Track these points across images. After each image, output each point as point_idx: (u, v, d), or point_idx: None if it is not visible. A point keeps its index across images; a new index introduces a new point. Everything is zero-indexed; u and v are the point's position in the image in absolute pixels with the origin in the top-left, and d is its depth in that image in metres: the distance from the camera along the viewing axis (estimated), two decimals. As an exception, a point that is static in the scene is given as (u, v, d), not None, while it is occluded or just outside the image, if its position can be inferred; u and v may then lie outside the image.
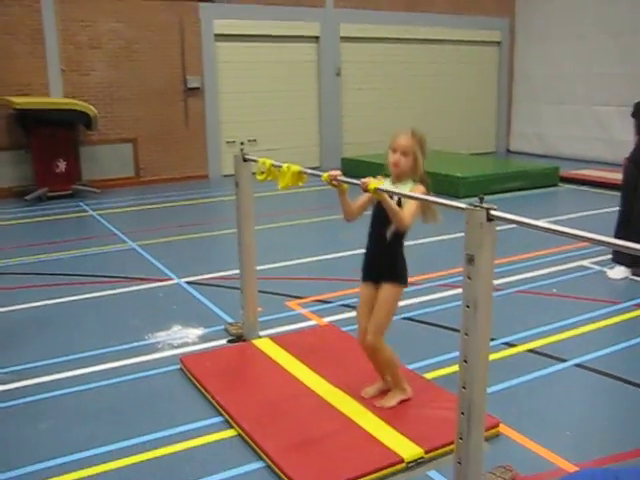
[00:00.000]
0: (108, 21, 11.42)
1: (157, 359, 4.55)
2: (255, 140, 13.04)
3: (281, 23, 12.95)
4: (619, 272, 6.25)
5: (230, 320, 5.17)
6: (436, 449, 3.27)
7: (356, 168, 11.13)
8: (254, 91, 13.02)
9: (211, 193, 11.30)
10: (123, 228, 8.49)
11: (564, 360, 4.42)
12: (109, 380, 4.23)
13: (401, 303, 3.67)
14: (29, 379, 4.24)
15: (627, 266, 6.27)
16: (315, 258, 6.99)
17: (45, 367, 4.42)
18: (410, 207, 3.33)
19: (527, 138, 16.05)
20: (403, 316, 5.07)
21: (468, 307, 2.56)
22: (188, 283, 6.18)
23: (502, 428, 3.51)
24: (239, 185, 4.56)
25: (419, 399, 3.75)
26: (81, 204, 10.25)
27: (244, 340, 4.72)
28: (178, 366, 4.39)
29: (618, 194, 6.64)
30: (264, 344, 4.58)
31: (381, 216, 3.40)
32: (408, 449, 3.24)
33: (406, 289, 3.63)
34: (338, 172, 3.49)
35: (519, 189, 10.73)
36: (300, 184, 3.96)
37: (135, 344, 4.80)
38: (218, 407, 3.78)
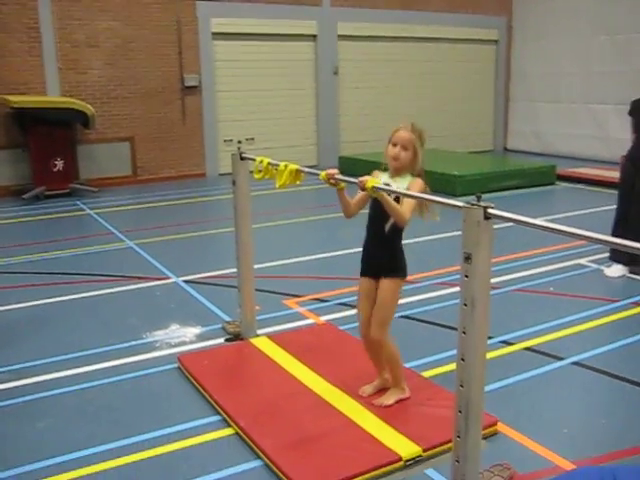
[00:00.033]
0: (105, 19, 11.41)
1: (155, 358, 4.55)
2: (253, 139, 13.04)
3: (278, 22, 12.95)
4: (616, 270, 6.26)
5: (228, 319, 5.18)
6: (434, 447, 3.27)
7: (353, 166, 11.13)
8: (251, 90, 13.02)
9: (208, 192, 11.29)
10: (121, 227, 8.49)
11: (561, 358, 4.43)
12: (107, 379, 4.23)
13: (399, 301, 3.67)
14: (28, 378, 4.24)
15: (624, 264, 6.28)
16: (313, 256, 7.00)
17: (43, 366, 4.42)
18: (409, 202, 3.35)
19: (524, 136, 16.07)
20: (401, 314, 5.07)
21: (465, 305, 2.57)
22: (186, 282, 6.18)
23: (500, 426, 3.51)
24: (236, 184, 4.56)
25: (417, 397, 3.75)
26: (78, 203, 10.24)
27: (242, 339, 4.73)
28: (176, 365, 4.39)
29: (615, 192, 6.65)
30: (262, 343, 4.58)
31: (379, 211, 3.40)
32: (406, 447, 3.25)
33: (404, 287, 3.63)
34: (335, 170, 3.50)
35: (516, 187, 10.74)
36: (297, 183, 3.97)
37: (133, 343, 4.80)
38: (216, 406, 3.79)
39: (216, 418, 3.71)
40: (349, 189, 3.52)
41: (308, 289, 5.90)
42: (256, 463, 3.27)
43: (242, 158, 4.49)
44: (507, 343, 4.67)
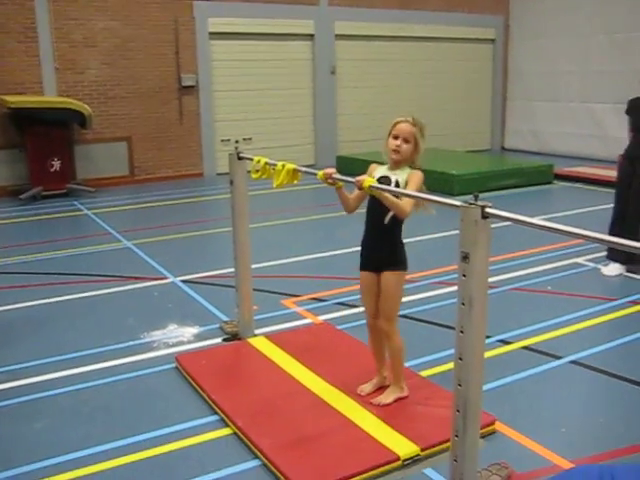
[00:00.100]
0: (102, 19, 11.39)
1: (152, 358, 4.54)
2: (250, 138, 13.03)
3: (276, 21, 12.94)
4: (614, 269, 6.27)
5: (225, 318, 5.17)
6: (432, 447, 3.27)
7: (351, 166, 11.12)
8: (249, 89, 13.01)
9: (206, 191, 11.28)
10: (118, 227, 8.48)
11: (559, 357, 4.43)
12: (105, 379, 4.22)
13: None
14: (24, 379, 4.23)
15: (622, 263, 6.28)
16: (310, 256, 6.99)
17: (40, 366, 4.41)
18: (409, 193, 3.34)
19: (522, 135, 16.08)
20: (399, 314, 5.06)
21: (463, 304, 2.57)
22: (183, 282, 6.18)
23: (498, 425, 3.51)
24: (234, 183, 4.55)
25: (415, 397, 3.75)
26: (76, 203, 10.23)
27: (239, 338, 4.72)
28: (174, 365, 4.38)
29: (612, 191, 6.66)
30: (259, 342, 4.58)
31: (378, 204, 3.41)
32: (404, 447, 3.24)
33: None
34: (333, 170, 3.50)
35: (514, 186, 10.75)
36: (295, 182, 3.96)
37: (130, 343, 4.79)
38: (214, 405, 3.78)
39: (214, 418, 3.70)
40: (347, 187, 3.52)
41: (306, 289, 5.90)
42: (254, 463, 3.27)
43: (239, 158, 4.48)
44: (505, 342, 4.67)
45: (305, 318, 5.23)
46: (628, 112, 6.38)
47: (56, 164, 10.64)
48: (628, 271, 6.27)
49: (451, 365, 2.76)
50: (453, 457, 2.74)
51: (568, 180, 11.63)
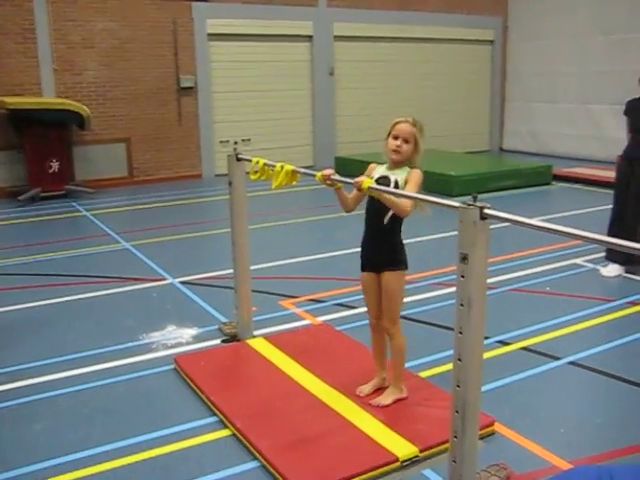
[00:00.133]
0: (101, 20, 11.39)
1: (151, 359, 4.54)
2: (249, 140, 13.04)
3: (274, 22, 12.94)
4: (612, 270, 6.27)
5: (224, 320, 5.17)
6: (431, 448, 3.27)
7: (350, 167, 11.12)
8: (247, 91, 13.01)
9: (204, 193, 11.28)
10: (117, 228, 8.48)
11: (558, 358, 4.43)
12: (104, 381, 4.22)
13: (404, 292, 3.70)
14: (23, 380, 4.23)
15: (620, 264, 6.29)
16: (309, 257, 6.99)
17: (39, 368, 4.41)
18: (410, 192, 3.36)
19: (520, 136, 16.09)
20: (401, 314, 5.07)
21: (462, 305, 2.57)
22: (182, 283, 6.18)
23: (496, 426, 3.51)
24: (233, 184, 4.55)
25: (414, 398, 3.75)
26: (74, 204, 10.23)
27: (238, 340, 4.72)
28: (172, 366, 4.38)
29: (611, 192, 6.66)
30: (258, 344, 4.58)
31: (377, 204, 3.42)
32: (403, 448, 3.24)
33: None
34: (331, 171, 3.51)
35: (512, 187, 10.76)
36: (294, 183, 3.97)
37: (129, 344, 4.79)
38: (212, 407, 3.78)
39: (213, 419, 3.70)
40: (346, 187, 3.53)
41: (304, 290, 5.90)
42: (253, 464, 3.27)
43: (238, 159, 4.48)
44: (504, 343, 4.67)
45: (304, 319, 5.23)
46: (626, 113, 6.39)
47: (55, 165, 10.64)
48: (627, 272, 6.28)
49: (450, 366, 2.77)
50: (452, 458, 2.74)
51: (567, 181, 11.64)
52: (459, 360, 2.62)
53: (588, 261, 6.66)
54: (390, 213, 3.43)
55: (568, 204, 9.72)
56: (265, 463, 3.21)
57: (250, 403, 3.76)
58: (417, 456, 3.23)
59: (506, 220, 2.50)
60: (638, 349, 4.60)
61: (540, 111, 15.45)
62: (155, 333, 5.00)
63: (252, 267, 4.84)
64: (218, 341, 4.79)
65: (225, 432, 3.57)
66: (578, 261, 6.67)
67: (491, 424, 3.48)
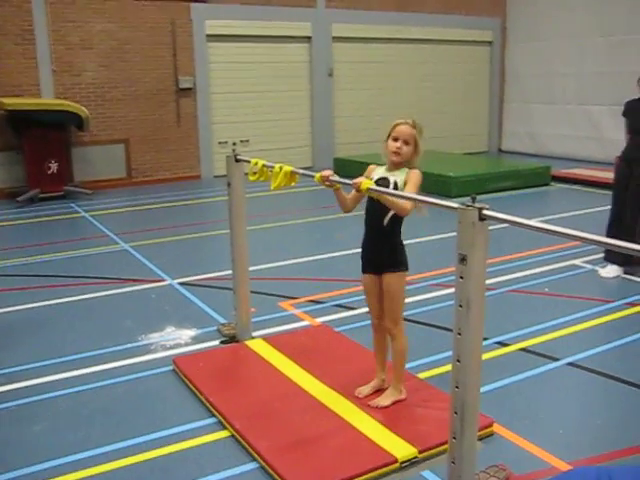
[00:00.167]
0: (100, 21, 11.39)
1: (150, 360, 4.54)
2: (247, 141, 13.04)
3: (273, 23, 12.94)
4: (611, 271, 6.28)
5: (223, 321, 5.17)
6: (430, 449, 3.27)
7: (348, 168, 11.13)
8: (246, 92, 13.01)
9: (203, 194, 11.28)
10: (115, 229, 8.48)
11: (556, 359, 4.44)
12: (103, 382, 4.22)
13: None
14: (23, 381, 4.23)
15: (619, 265, 6.29)
16: (308, 258, 6.99)
17: (38, 369, 4.41)
18: (410, 191, 3.38)
19: (519, 137, 16.10)
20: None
21: (461, 307, 2.57)
22: (181, 284, 6.18)
23: (495, 427, 3.51)
24: (231, 185, 4.55)
25: (413, 399, 3.75)
26: (73, 205, 10.22)
27: (237, 341, 4.72)
28: (171, 367, 4.38)
29: (610, 193, 6.66)
30: (257, 345, 4.58)
31: (377, 205, 3.43)
32: (402, 449, 3.25)
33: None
34: (330, 172, 3.52)
35: (511, 188, 10.77)
36: (292, 184, 3.97)
37: (128, 345, 4.79)
38: (211, 408, 3.78)
39: (212, 420, 3.70)
40: (345, 188, 3.54)
41: (303, 291, 5.90)
42: (252, 465, 3.27)
43: (237, 160, 4.48)
44: (502, 344, 4.68)
45: (303, 320, 5.23)
46: (625, 114, 6.39)
47: (53, 166, 10.63)
48: (625, 273, 6.28)
49: (449, 367, 2.77)
50: (451, 459, 2.74)
51: (565, 182, 11.65)
52: (458, 361, 2.62)
53: (587, 262, 6.66)
54: (390, 214, 3.44)
55: (567, 205, 9.73)
56: (264, 464, 3.21)
57: (249, 404, 3.76)
58: (416, 457, 3.23)
59: (505, 221, 2.51)
60: (637, 350, 4.61)
61: (539, 112, 15.46)
62: (154, 334, 5.00)
63: (251, 268, 4.84)
64: (217, 342, 4.79)
65: (224, 433, 3.57)
66: (577, 262, 6.68)
67: (490, 425, 3.48)
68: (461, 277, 2.55)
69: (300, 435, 3.43)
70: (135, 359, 4.56)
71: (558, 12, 14.60)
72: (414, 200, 3.27)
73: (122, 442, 3.50)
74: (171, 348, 4.74)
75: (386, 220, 3.47)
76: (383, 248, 3.56)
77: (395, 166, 3.51)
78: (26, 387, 4.15)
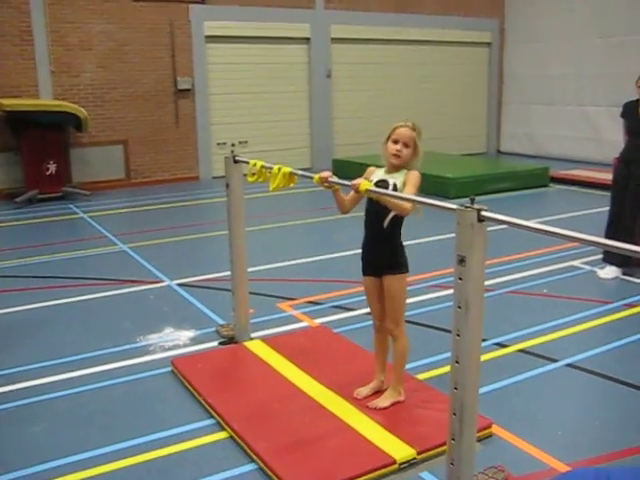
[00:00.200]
0: (98, 23, 11.39)
1: (149, 361, 4.54)
2: (246, 142, 13.04)
3: (271, 25, 12.95)
4: (610, 272, 6.28)
5: (221, 322, 5.17)
6: (428, 450, 3.27)
7: (347, 169, 11.13)
8: (245, 93, 13.01)
9: (202, 195, 11.28)
10: (114, 230, 8.47)
11: (555, 360, 4.44)
12: (101, 383, 4.22)
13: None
14: (21, 382, 4.23)
15: (618, 266, 6.29)
16: (307, 259, 6.99)
17: (37, 370, 4.40)
18: (409, 192, 3.39)
19: (517, 139, 16.11)
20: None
21: (459, 308, 2.57)
22: (179, 285, 6.17)
23: (494, 429, 3.51)
24: (230, 186, 4.55)
25: (411, 400, 3.75)
26: (71, 206, 10.22)
27: (235, 342, 4.72)
28: (170, 368, 4.38)
29: (608, 194, 6.67)
30: (256, 346, 4.58)
31: (377, 207, 3.44)
32: (400, 450, 3.24)
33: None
34: (329, 173, 3.53)
35: (510, 190, 10.77)
36: (291, 185, 3.97)
37: (127, 347, 4.79)
38: (210, 409, 3.78)
39: (210, 422, 3.70)
40: (343, 189, 3.55)
41: (302, 292, 5.90)
42: (250, 466, 3.27)
43: (235, 161, 4.48)
44: (501, 345, 4.68)
45: (301, 321, 5.23)
46: (623, 115, 6.40)
47: (52, 167, 10.63)
48: (624, 274, 6.29)
49: (447, 368, 2.77)
50: (449, 460, 2.74)
51: (564, 183, 11.66)
52: (457, 362, 2.62)
53: (585, 263, 6.67)
54: (390, 216, 3.45)
55: (565, 206, 9.73)
56: (263, 465, 3.21)
57: (247, 405, 3.76)
58: (415, 458, 3.23)
59: (503, 222, 2.51)
60: (636, 351, 4.61)
61: (537, 113, 15.47)
62: (152, 335, 5.00)
63: (249, 269, 4.84)
64: (215, 343, 4.79)
65: (222, 434, 3.57)
66: (575, 263, 6.68)
67: (489, 426, 3.48)
68: (460, 278, 2.55)
69: (299, 436, 3.43)
70: (134, 360, 4.56)
71: (556, 13, 14.61)
72: (413, 202, 3.28)
73: (121, 443, 3.49)
74: (170, 349, 4.73)
75: (386, 222, 3.48)
76: (383, 250, 3.57)
77: (394, 168, 3.52)
78: (25, 388, 4.15)
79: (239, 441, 3.44)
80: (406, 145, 3.48)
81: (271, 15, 12.87)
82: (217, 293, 5.88)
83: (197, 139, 12.67)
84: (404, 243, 3.64)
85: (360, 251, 3.71)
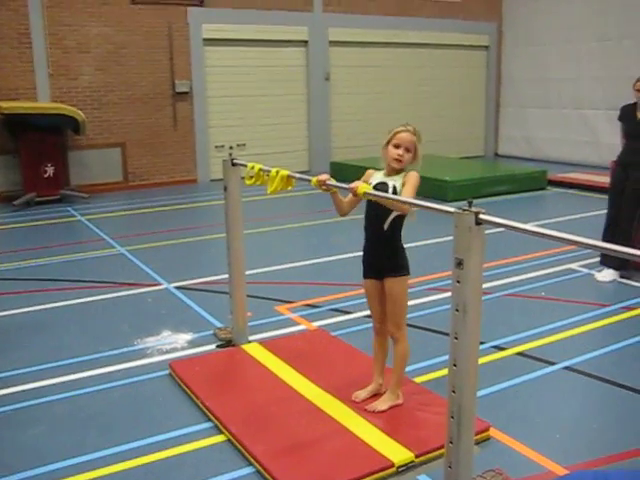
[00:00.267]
0: (96, 25, 11.39)
1: (146, 365, 4.53)
2: (244, 144, 13.04)
3: (270, 28, 12.95)
4: (607, 275, 6.28)
5: (219, 325, 5.16)
6: (426, 453, 3.27)
7: (345, 172, 11.12)
8: (243, 95, 13.02)
9: (200, 197, 11.27)
10: (112, 233, 8.47)
11: (553, 363, 4.44)
12: (99, 386, 4.21)
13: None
14: (19, 385, 4.22)
15: (615, 269, 6.30)
16: (304, 262, 6.99)
17: (34, 373, 4.39)
18: (408, 191, 3.41)
19: (515, 142, 16.12)
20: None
21: (457, 311, 2.57)
22: (177, 288, 6.17)
23: (492, 432, 3.51)
24: (228, 189, 4.55)
25: (409, 403, 3.75)
26: (69, 209, 10.21)
27: (233, 345, 4.71)
28: (167, 371, 4.37)
29: (606, 197, 6.68)
30: (253, 349, 4.57)
31: (376, 210, 3.46)
32: (398, 453, 3.24)
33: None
34: (327, 176, 3.54)
35: (507, 193, 10.79)
36: (289, 188, 3.98)
37: (124, 350, 4.78)
38: (207, 412, 3.77)
39: (208, 425, 3.70)
40: (342, 192, 3.56)
41: (300, 295, 5.90)
42: (248, 470, 3.26)
43: (233, 164, 4.48)
44: (499, 348, 4.68)
45: (299, 324, 5.23)
46: (621, 119, 6.41)
47: (50, 170, 10.62)
48: (622, 277, 6.29)
49: (445, 371, 2.77)
50: (447, 463, 2.74)
51: (561, 186, 11.67)
52: (454, 365, 2.62)
53: (583, 266, 6.67)
54: (390, 218, 3.46)
55: (563, 209, 9.74)
56: (260, 468, 3.21)
57: (245, 408, 3.76)
58: (413, 461, 3.23)
59: (501, 225, 2.51)
60: (633, 354, 4.61)
61: (535, 116, 15.49)
62: (150, 338, 4.99)
63: (247, 272, 4.84)
64: (213, 346, 4.78)
65: (220, 437, 3.56)
66: (573, 266, 6.69)
67: (486, 429, 3.48)
68: (458, 281, 2.55)
69: (296, 439, 3.42)
70: (131, 363, 4.55)
71: (554, 17, 14.63)
72: (409, 204, 3.28)
73: (118, 446, 3.49)
74: (167, 352, 4.73)
75: (386, 224, 3.49)
76: (384, 252, 3.57)
77: (394, 171, 3.53)
78: (22, 391, 4.15)
79: (237, 444, 3.44)
80: (408, 150, 3.49)
81: (269, 18, 12.88)
82: (215, 296, 5.87)
83: (195, 142, 12.67)
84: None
85: (361, 254, 3.71)
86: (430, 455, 3.27)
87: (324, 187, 3.53)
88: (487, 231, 2.54)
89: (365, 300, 3.82)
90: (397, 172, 3.52)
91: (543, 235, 2.41)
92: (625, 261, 5.97)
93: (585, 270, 6.56)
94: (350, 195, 3.54)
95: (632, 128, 6.22)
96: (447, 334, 2.69)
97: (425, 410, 3.68)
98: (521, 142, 15.92)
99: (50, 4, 10.94)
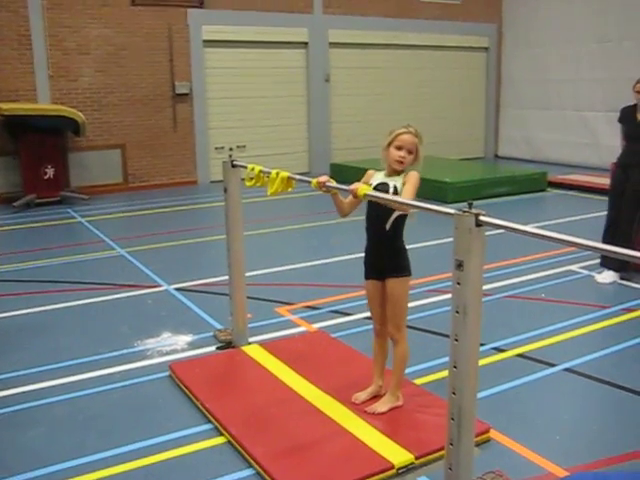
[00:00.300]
0: (96, 27, 11.40)
1: (146, 366, 4.53)
2: (244, 146, 13.04)
3: (270, 29, 12.96)
4: (607, 276, 6.28)
5: (219, 327, 5.16)
6: (426, 455, 3.27)
7: (345, 173, 11.13)
8: (243, 97, 13.02)
9: (200, 199, 11.27)
10: (112, 235, 8.46)
11: (553, 365, 4.43)
12: (99, 388, 4.21)
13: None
14: (18, 387, 4.22)
15: (615, 270, 6.30)
16: (304, 264, 6.98)
17: (34, 375, 4.39)
18: (409, 190, 3.41)
19: (515, 143, 16.12)
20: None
21: (457, 312, 2.57)
22: (177, 290, 6.17)
23: (492, 433, 3.51)
24: (228, 191, 4.55)
25: (409, 405, 3.74)
26: (69, 211, 10.21)
27: (233, 346, 4.71)
28: (167, 373, 4.37)
29: (606, 199, 6.68)
30: (253, 350, 4.57)
31: (377, 211, 3.46)
32: (398, 455, 3.24)
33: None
34: (327, 178, 3.55)
35: (507, 194, 10.78)
36: (289, 190, 3.98)
37: (124, 351, 4.78)
38: (207, 414, 3.77)
39: (208, 426, 3.69)
40: (342, 193, 3.56)
41: (300, 297, 5.89)
42: (248, 471, 3.26)
43: (233, 165, 4.48)
44: (499, 350, 4.67)
45: (299, 326, 5.22)
46: (620, 120, 6.42)
47: (50, 172, 10.62)
48: (622, 278, 6.29)
49: (445, 373, 2.77)
50: (448, 465, 2.74)
51: (561, 188, 11.67)
52: (455, 367, 2.62)
53: (583, 268, 6.67)
54: (392, 218, 3.46)
55: (563, 211, 9.74)
56: (260, 470, 3.21)
57: (245, 410, 3.76)
58: (413, 463, 3.23)
59: (501, 227, 2.51)
60: (633, 355, 4.61)
61: (534, 118, 15.49)
62: (150, 340, 4.99)
63: (247, 274, 4.84)
64: (213, 348, 4.78)
65: (220, 439, 3.56)
66: (573, 268, 6.69)
67: (487, 431, 3.48)
68: (458, 283, 2.55)
69: (296, 441, 3.42)
70: (131, 365, 4.55)
71: (554, 18, 14.63)
72: (409, 206, 3.28)
73: (118, 448, 3.49)
74: (167, 354, 4.73)
75: (388, 224, 3.49)
76: (386, 253, 3.57)
77: (395, 172, 3.53)
78: (22, 393, 4.14)
79: (237, 446, 3.43)
80: (409, 152, 3.50)
81: (269, 20, 12.89)
82: (215, 298, 5.87)
83: (195, 143, 12.67)
84: (402, 247, 3.64)
85: (361, 256, 3.71)
86: (430, 457, 3.27)
87: (324, 189, 3.53)
88: (487, 233, 2.54)
89: (365, 302, 3.83)
90: (398, 173, 3.53)
91: (543, 237, 2.41)
92: (625, 263, 5.96)
93: (585, 272, 6.56)
94: (350, 196, 3.54)
95: (632, 130, 6.22)
96: (447, 336, 2.69)
97: (425, 412, 3.68)
98: (521, 144, 15.93)
99: (50, 6, 10.94)
